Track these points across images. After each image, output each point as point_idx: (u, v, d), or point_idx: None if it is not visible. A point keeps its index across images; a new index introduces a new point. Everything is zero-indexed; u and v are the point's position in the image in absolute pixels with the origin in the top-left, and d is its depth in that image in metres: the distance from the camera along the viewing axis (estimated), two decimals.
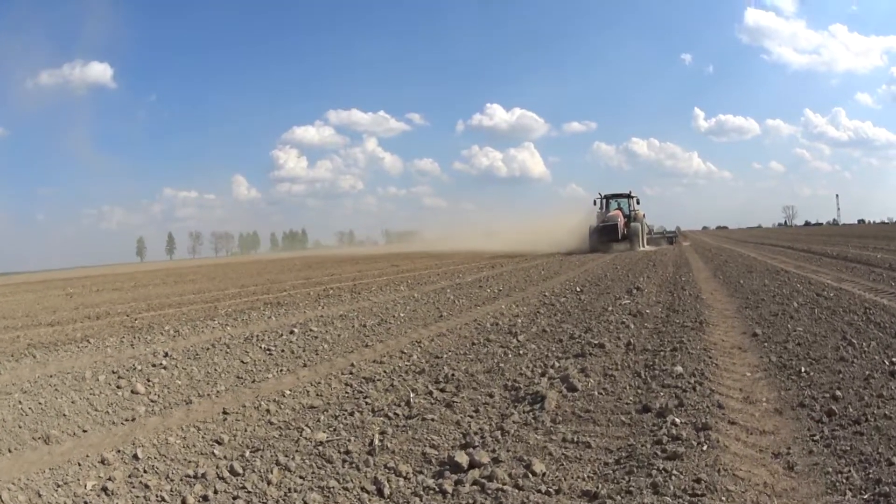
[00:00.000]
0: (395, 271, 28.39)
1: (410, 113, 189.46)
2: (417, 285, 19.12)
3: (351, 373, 7.69)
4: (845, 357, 6.51)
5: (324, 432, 5.55)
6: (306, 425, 5.78)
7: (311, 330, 10.81)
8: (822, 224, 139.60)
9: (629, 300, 11.93)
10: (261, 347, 9.36)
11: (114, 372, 7.93)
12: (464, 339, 9.48)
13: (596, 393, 5.84)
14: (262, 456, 5.02)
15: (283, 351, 9.13)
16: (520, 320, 10.63)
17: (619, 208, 41.28)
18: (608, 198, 42.52)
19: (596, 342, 7.95)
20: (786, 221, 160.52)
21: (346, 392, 6.86)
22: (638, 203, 42.38)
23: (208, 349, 9.28)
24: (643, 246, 38.51)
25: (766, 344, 7.56)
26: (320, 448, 5.18)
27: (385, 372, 7.65)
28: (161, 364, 8.31)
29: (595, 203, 42.29)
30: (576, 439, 4.76)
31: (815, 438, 4.52)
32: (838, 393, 5.34)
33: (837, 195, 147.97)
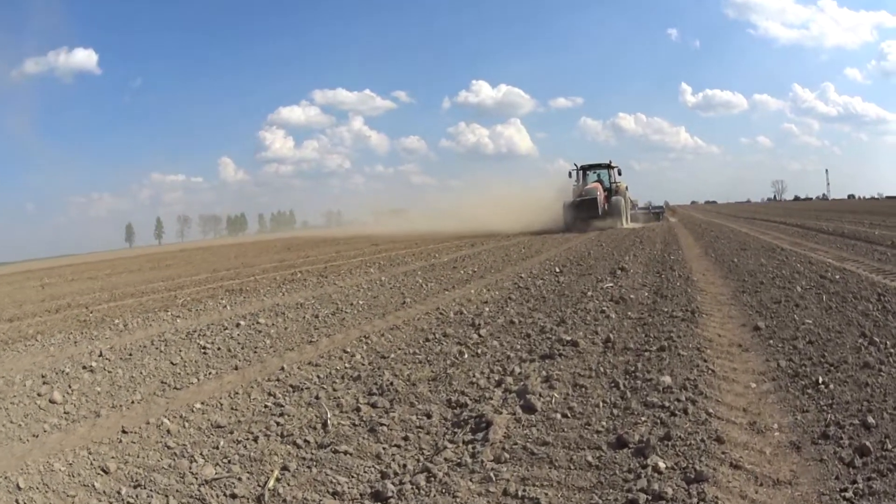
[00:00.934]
0: (373, 251, 27.07)
1: (396, 91, 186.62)
2: (390, 267, 17.80)
3: (279, 379, 6.45)
4: (869, 362, 5.21)
5: (215, 466, 4.33)
6: (201, 453, 4.61)
7: (258, 322, 9.61)
8: (811, 199, 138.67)
9: (612, 283, 10.61)
10: (199, 345, 8.25)
11: (42, 376, 7.03)
12: (419, 332, 8.19)
13: (559, 416, 4.52)
14: (138, 495, 4.02)
15: (219, 349, 7.99)
16: (487, 308, 9.32)
17: (599, 180, 36.08)
18: (585, 169, 37.22)
19: (569, 338, 6.63)
20: (775, 196, 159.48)
21: (263, 407, 5.64)
22: (619, 174, 37.30)
23: (144, 347, 8.29)
24: (626, 223, 34.13)
25: (771, 341, 6.25)
26: (203, 489, 4.04)
27: (317, 378, 6.40)
28: (90, 366, 7.32)
29: (570, 175, 36.73)
30: (521, 493, 3.46)
31: (846, 496, 3.21)
32: (870, 419, 4.05)
33: (827, 170, 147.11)
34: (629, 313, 7.97)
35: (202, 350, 7.95)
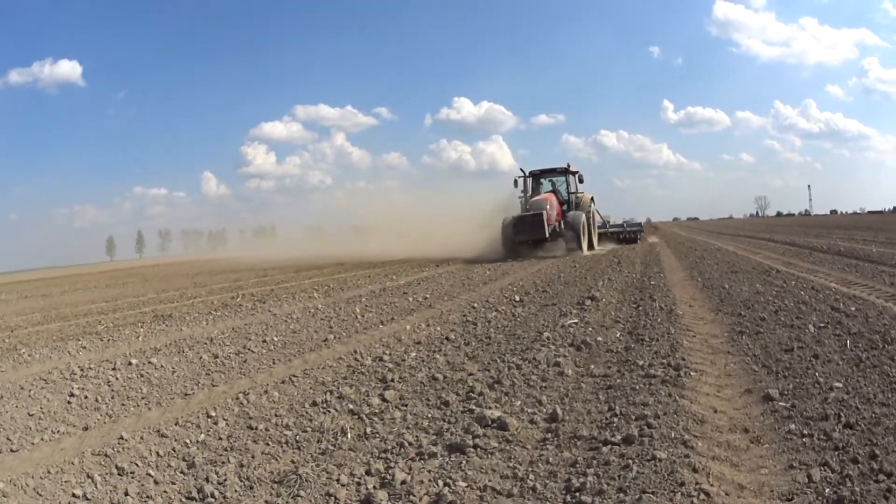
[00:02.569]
0: (333, 271, 24.94)
1: (378, 107, 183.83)
2: (338, 291, 15.65)
3: (108, 454, 4.82)
4: None
5: None
6: None
7: (150, 362, 7.92)
8: (793, 214, 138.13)
9: (577, 318, 8.50)
10: (72, 390, 6.72)
11: None
12: (314, 388, 6.17)
13: None
14: None
15: (86, 398, 6.47)
16: (414, 354, 7.19)
17: (554, 190, 27.71)
18: (536, 175, 28.49)
19: (497, 415, 4.52)
20: (757, 212, 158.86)
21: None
22: (581, 181, 28.35)
23: (22, 388, 6.95)
24: (588, 248, 26.06)
25: (792, 424, 4.13)
26: None
27: (155, 456, 4.76)
28: None
29: (516, 184, 27.79)
30: None
31: None
32: None
33: (809, 186, 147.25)
34: (591, 368, 5.87)
35: (68, 398, 6.45)
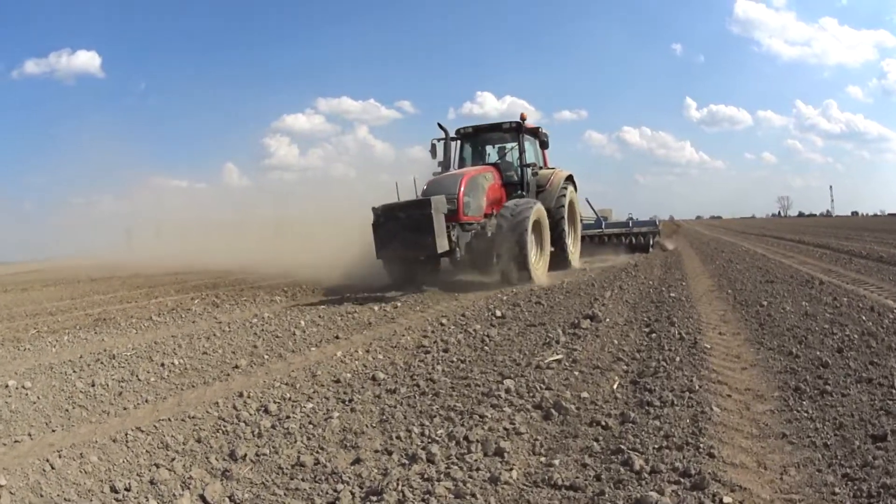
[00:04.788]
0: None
1: (401, 101, 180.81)
2: (306, 294, 13.33)
3: None
4: None
5: None
6: None
7: (23, 386, 5.90)
8: (815, 215, 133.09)
9: (564, 350, 6.04)
10: None
11: None
12: (134, 461, 4.05)
13: None
14: None
15: None
16: (308, 406, 4.79)
17: (496, 165, 15.08)
18: (469, 136, 15.85)
19: None
20: (780, 212, 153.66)
21: None
22: (545, 146, 16.30)
23: None
24: (564, 263, 15.15)
25: None
26: None
27: None
28: None
29: (434, 151, 15.44)
30: None
31: None
32: None
33: (831, 186, 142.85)
34: (555, 466, 3.40)
35: None
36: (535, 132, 15.79)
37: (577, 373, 5.20)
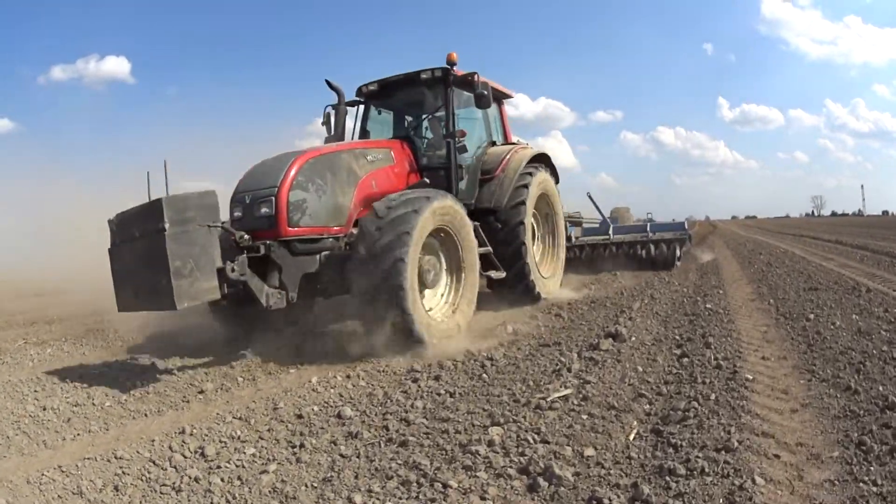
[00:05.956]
0: None
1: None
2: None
3: None
4: None
5: None
6: None
7: None
8: (847, 215, 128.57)
9: (575, 381, 4.96)
10: None
11: None
12: None
13: None
14: None
15: None
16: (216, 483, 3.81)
17: (405, 138, 8.73)
18: (371, 97, 9.34)
19: None
20: (813, 211, 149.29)
21: None
22: (483, 104, 8.50)
23: None
24: (523, 290, 9.26)
25: None
26: None
27: None
28: None
29: (328, 125, 9.00)
30: None
31: None
32: None
33: (862, 186, 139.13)
34: None
35: None
36: (467, 83, 8.69)
37: (585, 416, 4.13)
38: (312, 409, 4.73)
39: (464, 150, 8.90)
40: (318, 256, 6.63)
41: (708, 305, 8.65)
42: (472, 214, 8.31)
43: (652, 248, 14.56)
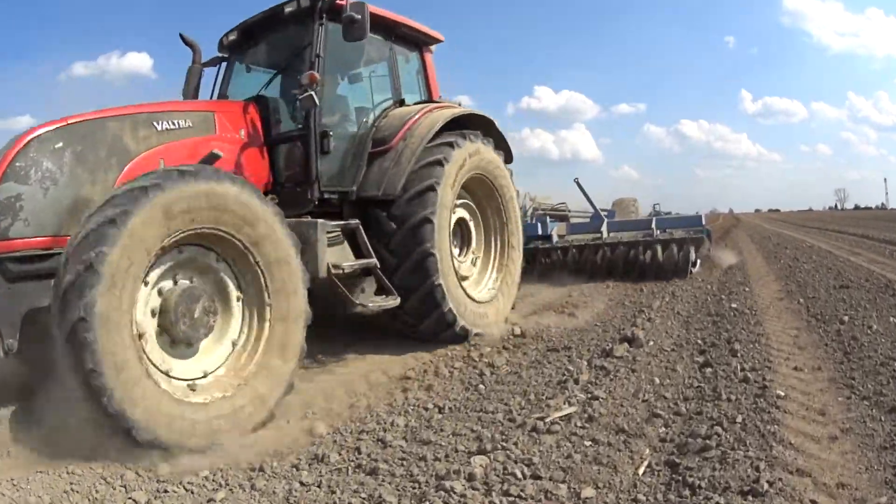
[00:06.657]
0: None
1: (459, 96, 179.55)
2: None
3: None
4: None
5: None
6: None
7: None
8: (870, 208, 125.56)
9: (582, 396, 4.36)
10: None
11: None
12: None
13: None
14: None
15: None
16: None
17: (258, 98, 5.87)
18: (234, 48, 6.62)
19: None
20: (837, 205, 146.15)
21: None
22: (355, 35, 5.37)
23: None
24: (443, 328, 6.14)
25: None
26: None
27: None
28: None
29: (188, 82, 6.43)
30: None
31: None
32: None
33: (885, 179, 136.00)
34: None
35: None
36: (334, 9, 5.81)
37: (588, 442, 3.52)
38: (286, 421, 4.19)
39: (310, 102, 5.26)
40: (51, 282, 3.54)
41: (734, 305, 7.95)
42: (357, 206, 6.03)
43: (659, 249, 10.84)
